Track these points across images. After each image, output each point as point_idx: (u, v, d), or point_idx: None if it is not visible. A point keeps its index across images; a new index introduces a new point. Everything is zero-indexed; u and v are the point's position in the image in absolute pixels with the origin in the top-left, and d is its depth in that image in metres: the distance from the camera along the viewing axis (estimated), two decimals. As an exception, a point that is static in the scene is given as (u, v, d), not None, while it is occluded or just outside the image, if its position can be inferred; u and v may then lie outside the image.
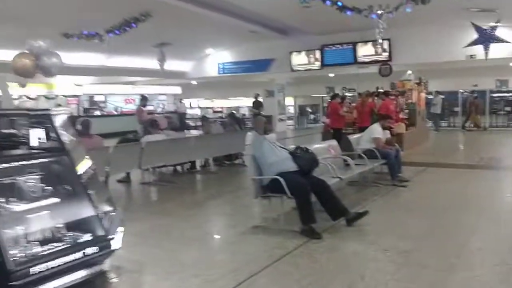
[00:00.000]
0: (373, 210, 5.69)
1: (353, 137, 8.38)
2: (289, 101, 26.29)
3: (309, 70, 16.33)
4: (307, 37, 15.19)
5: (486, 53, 12.98)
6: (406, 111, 12.24)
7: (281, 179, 4.91)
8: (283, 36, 15.54)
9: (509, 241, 4.54)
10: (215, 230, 5.32)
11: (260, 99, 18.85)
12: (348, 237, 4.78)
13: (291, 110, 27.08)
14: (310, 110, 27.43)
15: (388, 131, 8.34)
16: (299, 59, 16.24)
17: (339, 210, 5.13)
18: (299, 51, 16.13)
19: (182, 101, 25.09)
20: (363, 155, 7.27)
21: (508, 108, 20.34)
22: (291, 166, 5.18)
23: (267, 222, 5.34)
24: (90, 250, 3.33)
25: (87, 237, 3.49)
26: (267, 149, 5.27)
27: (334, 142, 7.52)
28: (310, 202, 4.90)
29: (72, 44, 12.23)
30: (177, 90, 26.84)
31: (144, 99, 11.17)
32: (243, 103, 27.61)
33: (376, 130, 8.00)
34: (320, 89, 24.30)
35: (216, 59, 18.57)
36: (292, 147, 5.58)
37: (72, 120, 4.85)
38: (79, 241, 3.43)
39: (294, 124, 25.31)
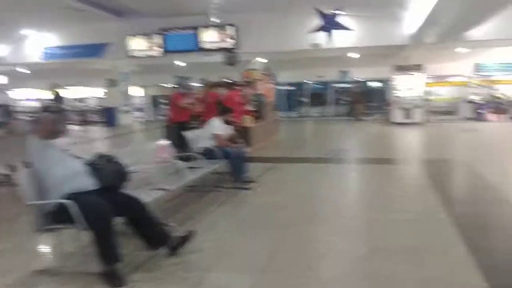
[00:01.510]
0: (207, 227, 4.64)
1: (193, 134, 7.24)
2: (140, 91, 24.65)
3: (152, 56, 14.65)
4: (145, 19, 13.52)
5: (330, 40, 12.91)
6: (254, 102, 11.49)
7: (71, 203, 3.43)
8: (118, 17, 13.63)
9: (365, 266, 3.71)
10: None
11: (59, 91, 16.06)
12: (167, 276, 3.53)
13: (140, 101, 25.27)
14: (164, 101, 26.03)
15: (231, 126, 7.34)
16: (137, 44, 14.45)
17: (158, 238, 3.88)
18: (135, 35, 14.34)
19: (6, 92, 21.26)
20: (198, 156, 6.16)
21: (349, 99, 21.53)
22: (88, 183, 3.71)
23: (58, 262, 3.78)
24: None
25: None
26: (53, 160, 3.70)
27: (165, 142, 6.24)
28: (112, 233, 3.49)
29: None
30: (3, 79, 22.56)
31: None
32: (91, 93, 24.96)
33: (217, 125, 6.96)
34: (170, 78, 22.82)
35: (39, 43, 15.65)
36: (102, 153, 4.06)
37: None
38: None
39: (144, 117, 23.72)
